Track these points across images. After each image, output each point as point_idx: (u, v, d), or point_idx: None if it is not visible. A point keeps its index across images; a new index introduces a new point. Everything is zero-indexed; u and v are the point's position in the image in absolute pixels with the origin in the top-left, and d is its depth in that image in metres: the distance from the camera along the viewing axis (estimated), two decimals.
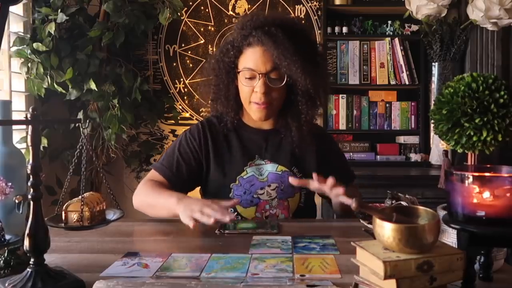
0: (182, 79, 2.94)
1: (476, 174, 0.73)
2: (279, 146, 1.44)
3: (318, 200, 1.62)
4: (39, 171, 0.81)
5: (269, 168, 1.41)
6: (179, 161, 1.41)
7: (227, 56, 1.38)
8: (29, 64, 2.29)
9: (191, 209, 1.14)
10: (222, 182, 1.40)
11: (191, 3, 2.92)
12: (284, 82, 1.33)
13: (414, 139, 2.83)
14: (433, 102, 1.51)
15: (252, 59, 1.34)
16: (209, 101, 1.47)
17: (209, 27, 2.93)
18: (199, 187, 1.49)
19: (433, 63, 2.72)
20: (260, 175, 1.40)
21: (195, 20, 2.93)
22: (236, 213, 1.38)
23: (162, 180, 1.39)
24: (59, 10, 2.26)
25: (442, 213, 0.87)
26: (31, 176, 0.80)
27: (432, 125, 1.65)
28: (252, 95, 1.35)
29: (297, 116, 1.39)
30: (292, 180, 1.24)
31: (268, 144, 1.43)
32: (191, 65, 2.94)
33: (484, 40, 2.67)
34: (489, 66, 2.67)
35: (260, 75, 1.32)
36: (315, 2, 2.89)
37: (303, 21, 2.86)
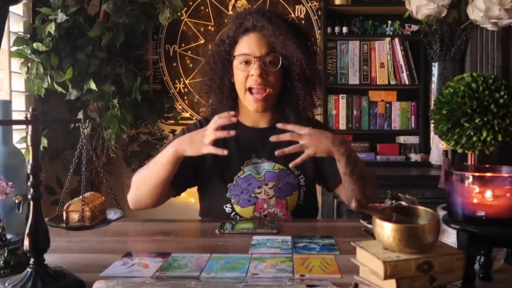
0: (182, 79, 2.94)
1: (476, 174, 0.73)
2: (276, 144, 1.43)
3: (319, 199, 1.62)
4: (39, 171, 0.81)
5: (266, 166, 1.40)
6: None
7: (222, 47, 1.40)
8: (29, 64, 2.29)
9: (200, 141, 1.25)
10: (219, 182, 1.40)
11: (191, 3, 2.92)
12: (280, 65, 1.35)
13: (414, 139, 2.83)
14: (433, 102, 1.51)
15: (247, 45, 1.36)
16: (208, 100, 1.47)
17: (209, 27, 2.93)
18: (196, 186, 1.48)
19: (433, 63, 2.71)
20: (257, 174, 1.39)
21: (195, 20, 2.93)
22: (234, 212, 1.38)
23: None
24: (59, 10, 2.26)
25: (442, 213, 0.87)
26: (31, 176, 0.80)
27: (432, 125, 1.65)
28: (248, 80, 1.35)
29: (295, 103, 1.39)
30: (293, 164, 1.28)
31: (265, 143, 1.42)
32: (191, 65, 2.94)
33: (484, 40, 2.66)
34: (489, 66, 2.67)
35: (256, 58, 1.34)
36: (315, 2, 2.89)
37: (303, 21, 2.86)
